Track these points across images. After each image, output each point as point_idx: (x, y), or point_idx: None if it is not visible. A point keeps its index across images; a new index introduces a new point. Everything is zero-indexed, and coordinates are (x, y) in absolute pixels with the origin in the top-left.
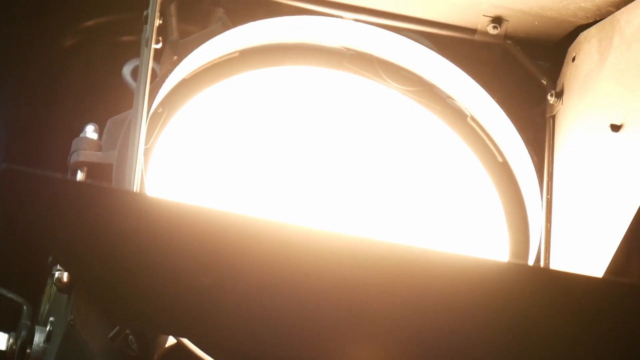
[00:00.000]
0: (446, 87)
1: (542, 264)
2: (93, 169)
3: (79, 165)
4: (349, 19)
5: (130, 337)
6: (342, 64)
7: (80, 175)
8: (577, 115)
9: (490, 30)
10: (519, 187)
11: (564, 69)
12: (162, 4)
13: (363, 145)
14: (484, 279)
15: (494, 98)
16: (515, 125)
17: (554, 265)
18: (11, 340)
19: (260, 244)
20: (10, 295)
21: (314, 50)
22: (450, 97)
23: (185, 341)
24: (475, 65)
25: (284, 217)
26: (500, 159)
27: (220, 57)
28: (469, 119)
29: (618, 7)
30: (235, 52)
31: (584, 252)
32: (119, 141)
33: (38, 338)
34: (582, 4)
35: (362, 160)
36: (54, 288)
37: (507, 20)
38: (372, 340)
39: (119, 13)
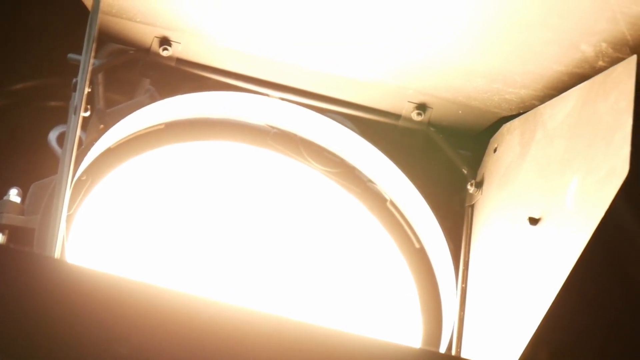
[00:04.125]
0: (368, 171)
1: (453, 352)
2: (15, 233)
3: (1, 228)
4: (275, 97)
5: None
6: (266, 142)
7: (1, 238)
8: (496, 206)
9: (415, 116)
10: (434, 274)
11: (485, 159)
12: (91, 72)
13: (283, 224)
14: None
15: (414, 184)
16: (434, 212)
17: (465, 354)
18: None
19: (176, 316)
20: None
21: (238, 126)
22: (371, 181)
23: None
24: (397, 150)
25: (201, 291)
26: (417, 245)
27: (146, 129)
28: (388, 204)
29: (542, 100)
30: (161, 124)
31: (496, 343)
32: (42, 206)
33: None
34: (506, 96)
35: (280, 238)
36: None
37: (432, 108)
38: None
39: (47, 77)
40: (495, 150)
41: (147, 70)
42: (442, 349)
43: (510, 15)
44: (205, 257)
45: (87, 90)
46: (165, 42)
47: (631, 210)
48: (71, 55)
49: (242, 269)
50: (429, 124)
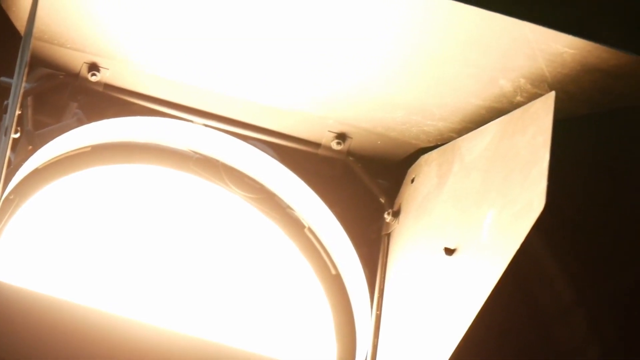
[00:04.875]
0: (287, 197)
1: None
2: None
3: None
4: (199, 124)
5: None
6: (189, 167)
7: None
8: (413, 236)
9: (334, 145)
10: (349, 301)
11: (403, 189)
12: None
13: (202, 248)
14: None
15: (332, 211)
16: (351, 240)
17: None
18: None
19: (96, 335)
20: None
21: (162, 151)
22: (290, 207)
23: None
24: (317, 178)
25: (120, 310)
26: (333, 272)
27: (72, 151)
28: (306, 230)
29: (460, 133)
30: (88, 147)
31: None
32: None
33: None
34: (425, 128)
35: (200, 262)
36: None
37: (351, 138)
38: None
39: None
40: (412, 181)
41: (75, 94)
42: None
43: (431, 50)
44: (126, 278)
45: (17, 112)
46: (94, 67)
47: (541, 242)
48: (2, 79)
49: (161, 292)
50: (348, 153)
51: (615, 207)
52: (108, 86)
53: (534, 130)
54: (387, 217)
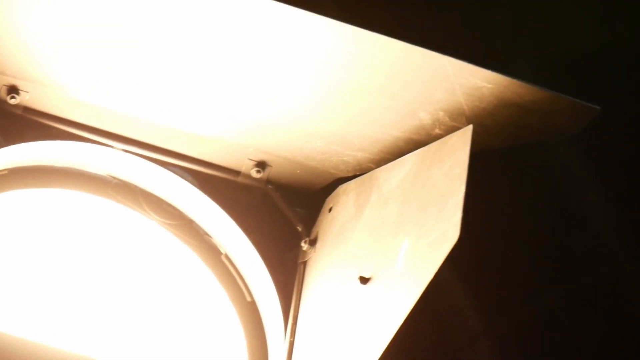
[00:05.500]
0: (205, 224)
1: None
2: None
3: None
4: (119, 149)
5: None
6: (107, 192)
7: None
8: (329, 264)
9: (254, 173)
10: (263, 328)
11: (320, 218)
12: None
13: (119, 273)
14: None
15: (250, 239)
16: (267, 267)
17: None
18: None
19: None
20: None
21: (81, 175)
22: (207, 234)
23: None
24: (235, 205)
25: (33, 336)
26: (248, 299)
27: None
28: (223, 257)
29: (378, 164)
30: (5, 170)
31: None
32: None
33: None
34: (344, 158)
35: (116, 287)
36: None
37: (271, 166)
38: None
39: None
40: (330, 210)
41: None
42: None
43: (352, 81)
44: (40, 303)
45: None
46: (13, 90)
47: (452, 272)
48: None
49: (77, 318)
50: (268, 181)
51: (526, 239)
52: (27, 109)
53: (451, 163)
54: (304, 246)
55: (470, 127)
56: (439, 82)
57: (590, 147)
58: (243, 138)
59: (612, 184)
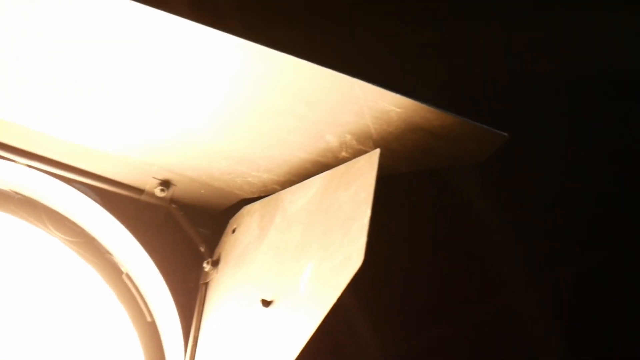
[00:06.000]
0: (107, 242)
1: None
2: None
3: None
4: (22, 164)
5: None
6: (9, 208)
7: None
8: (231, 286)
9: (158, 192)
10: (162, 349)
11: (224, 239)
12: None
13: (19, 289)
14: None
15: (152, 258)
16: (169, 287)
17: None
18: None
19: None
20: None
21: None
22: (109, 252)
23: None
24: (138, 224)
25: None
26: (149, 319)
27: None
28: (124, 276)
29: (283, 186)
30: None
31: None
32: None
33: None
34: (249, 179)
35: (15, 304)
36: None
37: (175, 185)
38: None
39: None
40: (234, 231)
41: None
42: None
43: (258, 101)
44: None
45: None
46: None
47: (354, 296)
48: None
49: None
50: (172, 200)
51: (428, 266)
52: None
53: (357, 186)
54: (206, 267)
55: (377, 151)
56: (347, 104)
57: (494, 174)
58: (147, 156)
59: (512, 213)
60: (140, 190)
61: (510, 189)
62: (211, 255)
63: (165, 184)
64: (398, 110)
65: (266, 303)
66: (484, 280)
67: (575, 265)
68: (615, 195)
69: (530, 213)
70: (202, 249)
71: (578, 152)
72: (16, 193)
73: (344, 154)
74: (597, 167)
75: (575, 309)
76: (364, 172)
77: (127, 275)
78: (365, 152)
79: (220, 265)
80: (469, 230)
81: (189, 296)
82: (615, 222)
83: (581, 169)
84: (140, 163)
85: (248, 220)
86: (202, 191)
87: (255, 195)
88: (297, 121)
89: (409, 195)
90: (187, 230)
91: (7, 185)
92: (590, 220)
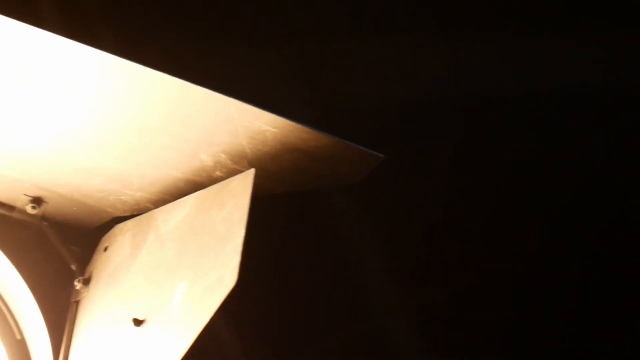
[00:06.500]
0: None
1: None
2: None
3: None
4: None
5: None
6: None
7: None
8: (103, 304)
9: (29, 209)
10: None
11: (95, 257)
12: None
13: None
14: None
15: (22, 275)
16: (39, 305)
17: None
18: None
19: None
20: None
21: None
22: None
23: None
24: (9, 241)
25: None
26: (18, 336)
27: None
28: None
29: (156, 204)
30: None
31: None
32: None
33: None
34: (122, 197)
35: None
36: None
37: (47, 202)
38: None
39: None
40: (106, 249)
41: None
42: None
43: (132, 119)
44: None
45: None
46: None
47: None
48: None
49: None
50: (43, 217)
51: (301, 287)
52: None
53: (231, 206)
54: (77, 285)
55: (252, 171)
56: (222, 123)
57: (370, 194)
58: (19, 173)
59: (386, 234)
60: (11, 207)
61: (385, 210)
62: (82, 274)
63: (37, 201)
64: (273, 130)
65: (138, 322)
66: (356, 300)
67: (445, 287)
68: (489, 221)
69: (402, 234)
70: (74, 267)
71: (455, 173)
72: None
73: (218, 173)
74: (473, 190)
75: (446, 329)
76: (239, 192)
77: None
78: (240, 171)
79: (92, 284)
80: (343, 251)
81: (60, 314)
82: (484, 247)
83: (459, 191)
84: (11, 180)
85: (120, 239)
86: (75, 209)
87: (128, 214)
88: (171, 139)
89: (283, 216)
90: (58, 247)
91: None
92: (461, 243)
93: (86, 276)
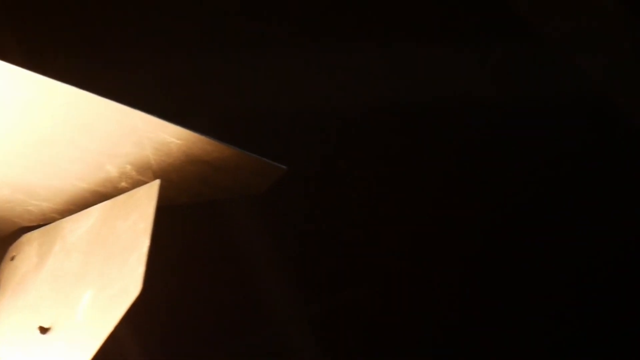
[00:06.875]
0: None
1: None
2: None
3: None
4: None
5: None
6: None
7: None
8: (9, 314)
9: None
10: None
11: (2, 266)
12: None
13: None
14: None
15: None
16: None
17: None
18: None
19: None
20: None
21: None
22: None
23: None
24: None
25: None
26: None
27: None
28: None
29: (63, 215)
30: None
31: None
32: None
33: None
34: (29, 207)
35: None
36: None
37: None
38: None
39: None
40: (12, 259)
41: None
42: None
43: (36, 129)
44: None
45: None
46: None
47: (129, 327)
48: None
49: None
50: None
51: (206, 300)
52: None
53: (136, 217)
54: None
55: (157, 182)
56: (128, 135)
57: (272, 205)
58: None
59: (286, 245)
60: None
61: (287, 220)
62: None
63: None
64: (178, 141)
65: (43, 330)
66: (257, 311)
67: (337, 298)
68: (382, 235)
69: (302, 246)
70: None
71: (359, 182)
72: None
73: (123, 184)
74: (377, 199)
75: (338, 340)
76: (143, 203)
77: None
78: (145, 182)
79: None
80: (244, 261)
81: None
82: (389, 253)
83: (364, 199)
84: None
85: (27, 248)
86: None
87: (35, 224)
88: (77, 151)
89: (187, 226)
90: None
91: None
92: (366, 249)
93: None
